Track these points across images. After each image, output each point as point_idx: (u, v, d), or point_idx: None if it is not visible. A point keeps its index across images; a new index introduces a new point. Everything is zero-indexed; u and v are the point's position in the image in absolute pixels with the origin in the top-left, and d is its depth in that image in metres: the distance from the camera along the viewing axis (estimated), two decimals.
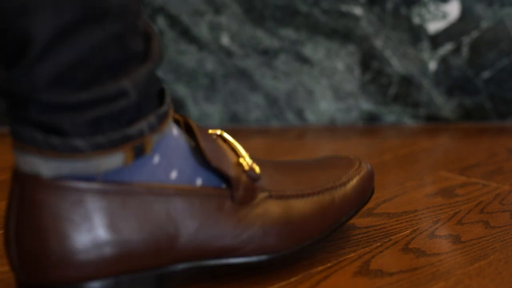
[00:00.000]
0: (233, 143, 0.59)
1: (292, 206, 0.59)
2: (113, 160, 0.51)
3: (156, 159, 0.53)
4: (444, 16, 1.14)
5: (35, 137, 0.50)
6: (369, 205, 0.76)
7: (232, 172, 0.56)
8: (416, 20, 1.15)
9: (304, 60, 1.16)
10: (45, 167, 0.50)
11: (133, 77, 0.51)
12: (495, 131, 1.12)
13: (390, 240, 0.67)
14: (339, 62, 1.16)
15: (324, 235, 0.61)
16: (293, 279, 0.59)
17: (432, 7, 1.14)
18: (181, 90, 1.15)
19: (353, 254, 0.64)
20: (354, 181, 0.64)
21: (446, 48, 1.15)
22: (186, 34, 1.14)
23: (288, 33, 1.16)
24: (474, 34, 1.14)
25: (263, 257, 0.57)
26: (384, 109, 1.17)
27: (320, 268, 0.61)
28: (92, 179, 0.51)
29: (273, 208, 0.58)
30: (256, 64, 1.17)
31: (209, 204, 0.55)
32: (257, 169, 0.58)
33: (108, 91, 0.50)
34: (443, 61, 1.15)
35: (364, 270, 0.61)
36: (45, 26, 0.48)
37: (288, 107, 1.17)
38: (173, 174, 0.54)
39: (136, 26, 0.52)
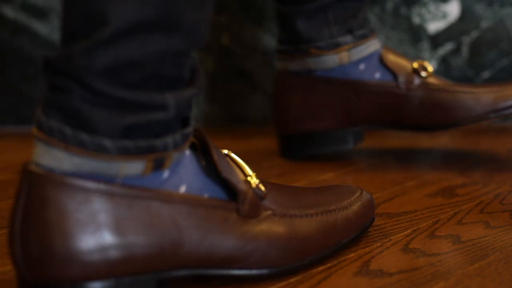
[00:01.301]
0: (240, 163, 0.60)
1: (295, 225, 0.60)
2: (134, 167, 0.52)
3: (165, 174, 0.54)
4: (444, 16, 1.14)
5: (64, 130, 0.50)
6: None
7: (240, 185, 0.57)
8: (416, 20, 1.15)
9: None
10: (68, 162, 0.51)
11: (177, 95, 0.53)
12: (495, 131, 1.11)
13: (390, 240, 0.67)
14: None
15: (325, 253, 0.62)
16: (293, 279, 0.59)
17: (432, 7, 1.14)
18: None
19: (353, 254, 0.64)
20: (355, 206, 0.65)
21: (446, 48, 1.15)
22: None
23: None
24: (474, 34, 1.14)
25: (264, 271, 0.58)
26: None
27: (320, 268, 0.61)
28: (108, 180, 0.52)
29: (277, 225, 0.59)
30: (256, 64, 1.17)
31: (214, 215, 0.56)
32: (263, 188, 0.59)
33: (152, 100, 0.52)
34: (443, 61, 1.15)
35: (364, 270, 0.60)
36: (124, 15, 0.49)
37: None
38: (182, 189, 0.55)
39: (194, 51, 0.54)
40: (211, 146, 0.58)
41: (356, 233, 0.65)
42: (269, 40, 1.16)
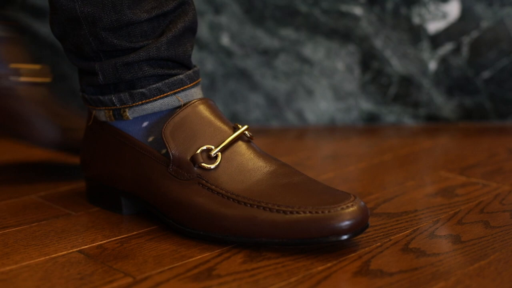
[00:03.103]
0: (232, 139, 0.68)
1: (214, 200, 0.66)
2: (100, 114, 0.74)
3: (144, 124, 0.72)
4: (444, 16, 1.14)
5: (91, 97, 0.74)
6: (369, 205, 0.76)
7: (175, 150, 0.68)
8: (416, 20, 1.15)
9: (304, 60, 1.16)
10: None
11: (102, 65, 0.71)
12: (495, 131, 1.12)
13: (390, 240, 0.67)
14: (339, 62, 1.16)
15: (240, 240, 0.65)
16: (293, 279, 0.59)
17: (432, 7, 1.14)
18: None
19: (353, 254, 0.64)
20: (301, 216, 0.62)
21: (446, 48, 1.15)
22: None
23: (288, 33, 1.16)
24: (474, 34, 1.14)
25: (192, 230, 0.67)
26: (384, 109, 1.17)
27: (320, 268, 0.61)
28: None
29: (195, 193, 0.67)
30: (256, 64, 1.17)
31: (153, 164, 0.70)
32: (213, 162, 0.67)
33: (89, 67, 0.72)
34: (443, 61, 1.15)
35: (364, 270, 0.61)
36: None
37: (288, 107, 1.18)
38: (150, 138, 0.71)
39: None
40: (193, 113, 0.69)
41: (287, 241, 0.63)
42: (269, 40, 1.16)
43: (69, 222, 0.72)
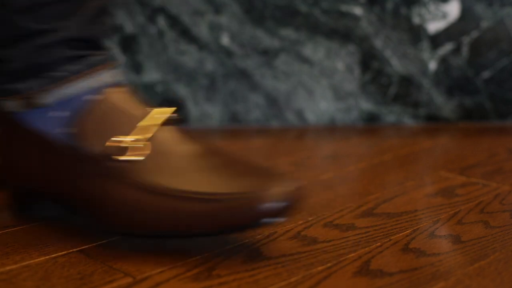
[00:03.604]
0: (148, 125, 0.64)
1: (132, 193, 0.62)
2: (12, 104, 0.67)
3: (55, 113, 0.66)
4: (444, 16, 1.14)
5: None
6: (369, 205, 0.76)
7: (90, 143, 0.63)
8: (416, 20, 1.15)
9: (304, 60, 1.16)
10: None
11: (16, 50, 0.65)
12: (495, 131, 1.12)
13: (390, 240, 0.67)
14: (339, 62, 1.16)
15: (165, 234, 0.62)
16: (293, 279, 0.59)
17: (432, 7, 1.14)
18: (181, 90, 1.15)
19: (353, 254, 0.64)
20: (223, 204, 0.59)
21: (446, 48, 1.15)
22: (186, 34, 1.14)
23: (288, 33, 1.16)
24: (474, 34, 1.14)
25: (93, 219, 0.65)
26: (384, 109, 1.17)
27: (320, 268, 0.61)
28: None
29: (112, 188, 0.62)
30: (256, 64, 1.17)
31: (62, 155, 0.65)
32: (130, 153, 0.62)
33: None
34: (443, 61, 1.15)
35: (364, 270, 0.60)
36: None
37: (288, 107, 1.17)
38: (61, 130, 0.65)
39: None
40: (119, 106, 0.65)
41: (212, 230, 0.61)
42: (269, 40, 1.16)
43: (69, 222, 0.72)
